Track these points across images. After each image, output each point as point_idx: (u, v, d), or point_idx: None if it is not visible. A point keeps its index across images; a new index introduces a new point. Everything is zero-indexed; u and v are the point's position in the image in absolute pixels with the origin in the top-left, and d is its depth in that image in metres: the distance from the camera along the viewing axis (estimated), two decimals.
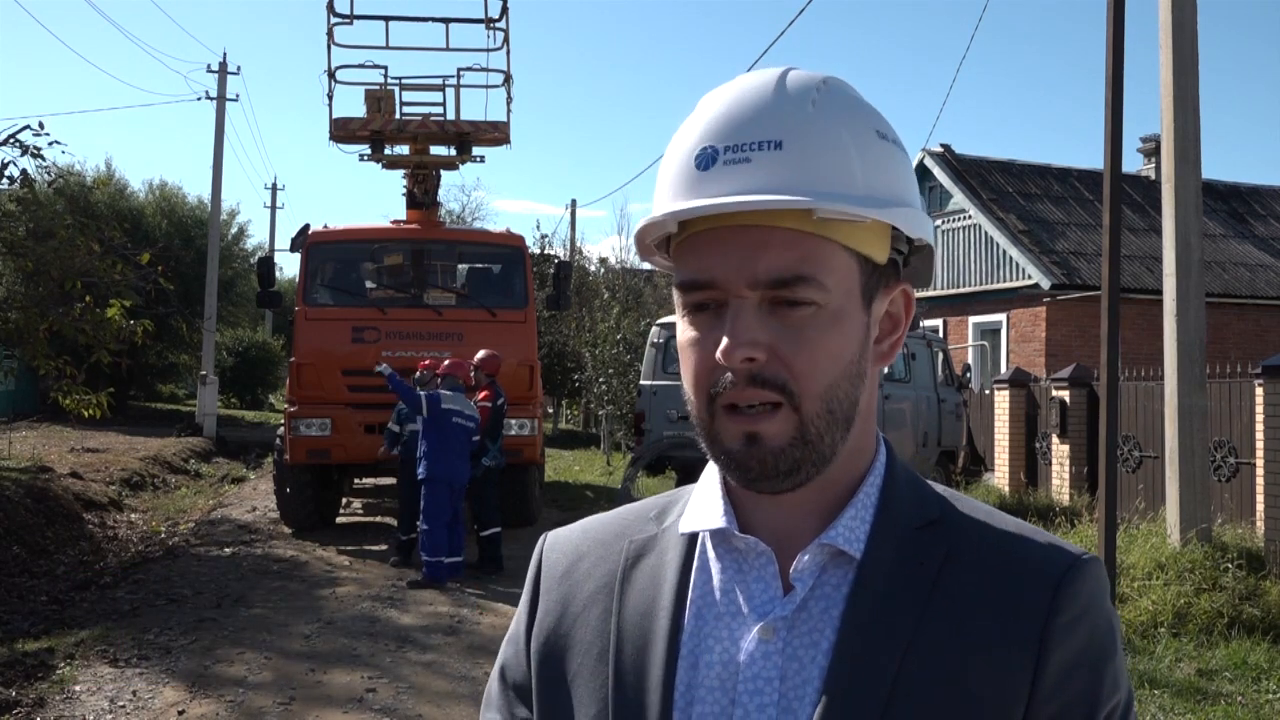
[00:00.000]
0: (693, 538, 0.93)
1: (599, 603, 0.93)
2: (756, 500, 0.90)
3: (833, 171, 0.81)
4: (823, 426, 0.83)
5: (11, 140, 10.12)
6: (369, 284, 11.82)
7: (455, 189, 56.77)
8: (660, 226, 0.87)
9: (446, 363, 9.20)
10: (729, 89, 0.86)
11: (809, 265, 0.81)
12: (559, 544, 1.01)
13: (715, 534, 0.91)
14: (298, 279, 11.68)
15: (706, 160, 0.83)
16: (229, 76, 25.17)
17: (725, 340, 0.82)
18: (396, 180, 14.09)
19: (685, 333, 0.87)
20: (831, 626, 0.84)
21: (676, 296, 0.87)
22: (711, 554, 0.91)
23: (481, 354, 9.64)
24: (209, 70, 25.28)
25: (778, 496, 0.88)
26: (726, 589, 0.89)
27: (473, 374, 9.47)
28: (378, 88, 12.34)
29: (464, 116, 12.48)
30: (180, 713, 5.39)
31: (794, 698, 0.83)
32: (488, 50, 12.77)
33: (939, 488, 0.93)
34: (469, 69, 12.61)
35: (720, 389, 0.83)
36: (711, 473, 0.93)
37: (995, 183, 21.06)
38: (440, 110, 12.54)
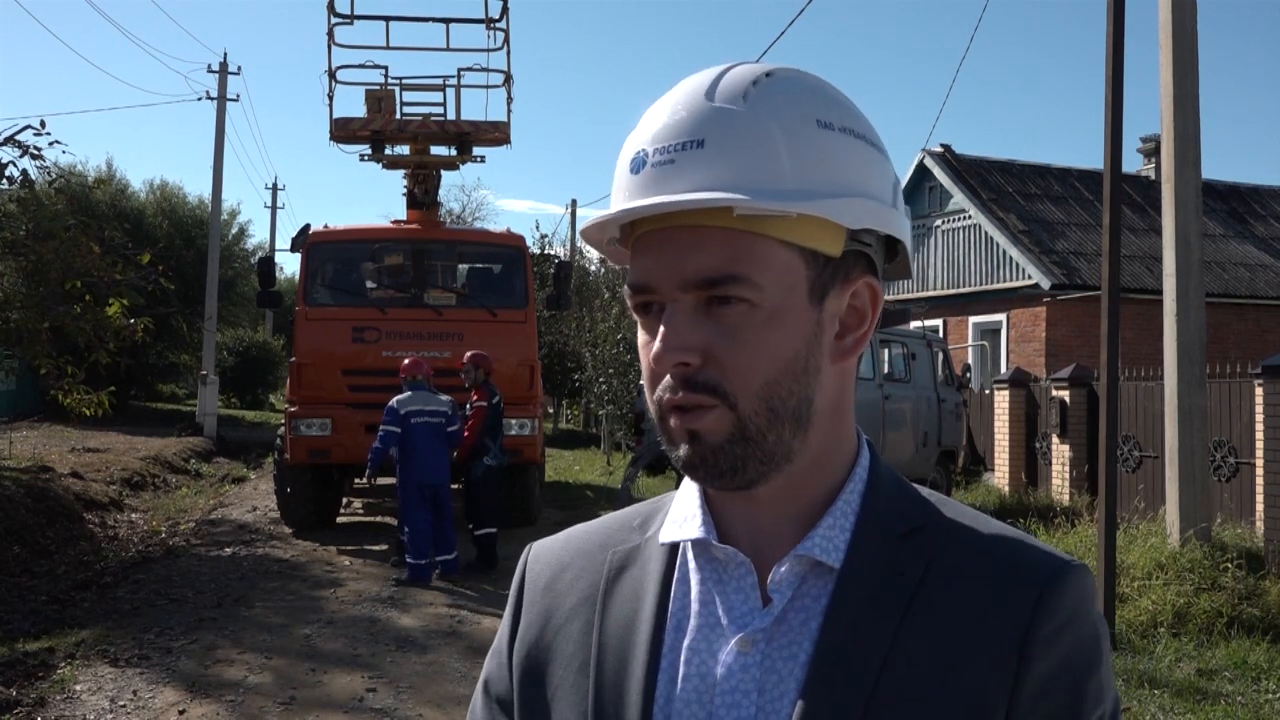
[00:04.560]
0: (674, 548, 0.91)
1: (581, 615, 0.92)
2: (733, 507, 0.89)
3: (756, 167, 0.79)
4: (763, 424, 0.82)
5: (11, 140, 10.12)
6: (369, 284, 11.82)
7: (455, 189, 56.76)
8: (611, 228, 0.87)
9: (406, 363, 9.13)
10: (670, 92, 0.85)
11: (739, 264, 0.80)
12: (542, 555, 1.00)
13: (696, 544, 0.89)
14: (298, 279, 11.67)
15: (638, 164, 0.83)
16: (229, 76, 25.19)
17: (657, 346, 0.82)
18: (396, 180, 14.11)
19: (639, 334, 0.87)
20: (809, 639, 0.82)
21: (627, 298, 0.86)
22: (692, 564, 0.89)
23: (469, 355, 9.55)
24: (209, 70, 25.30)
25: (753, 503, 0.87)
26: (706, 600, 0.87)
27: (464, 376, 9.41)
28: (378, 88, 12.34)
29: (464, 116, 12.48)
30: (180, 713, 5.40)
31: (771, 711, 0.81)
32: (488, 50, 12.78)
33: (925, 491, 0.91)
34: (469, 69, 12.61)
35: (662, 393, 0.83)
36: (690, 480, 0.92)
37: (995, 183, 21.04)
38: (440, 110, 12.55)
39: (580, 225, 0.88)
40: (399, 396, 8.75)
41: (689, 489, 0.92)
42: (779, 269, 0.82)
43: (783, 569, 0.85)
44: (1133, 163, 23.58)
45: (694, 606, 0.88)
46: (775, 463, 0.84)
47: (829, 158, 0.82)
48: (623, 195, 0.84)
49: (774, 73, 0.84)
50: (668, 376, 0.83)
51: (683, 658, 0.86)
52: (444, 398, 8.97)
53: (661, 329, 0.82)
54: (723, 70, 0.84)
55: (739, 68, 0.85)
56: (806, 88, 0.85)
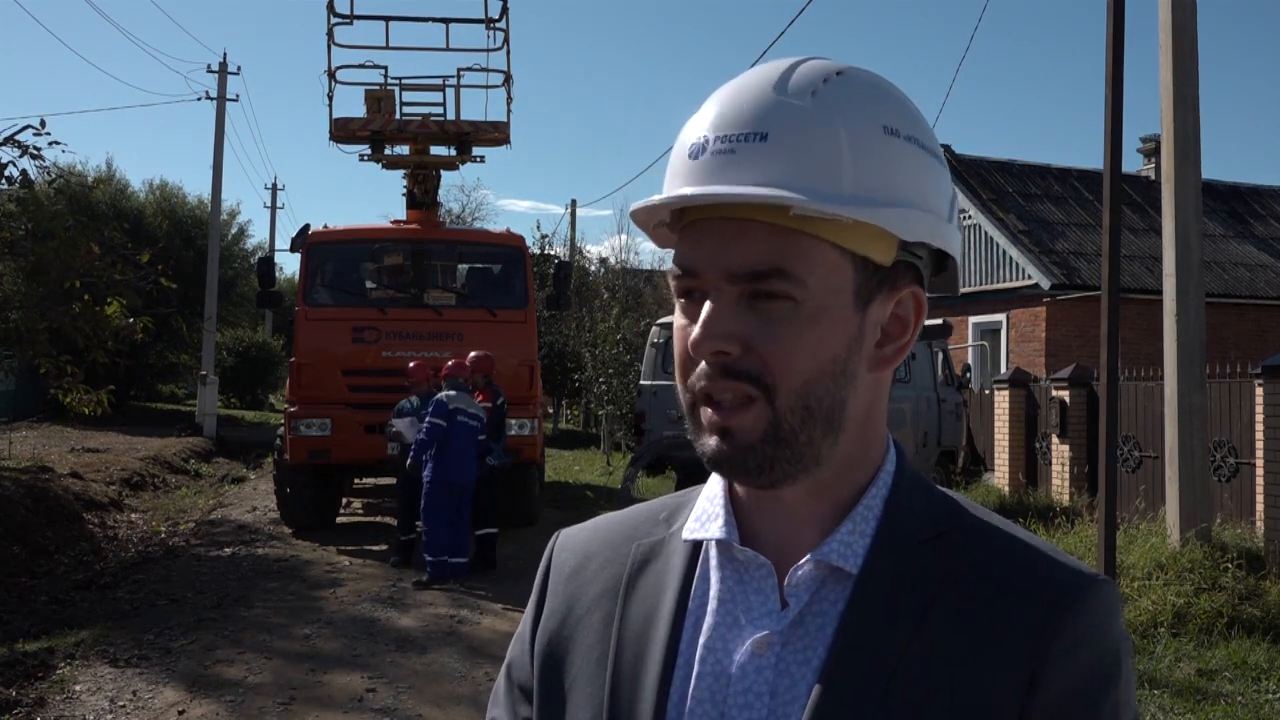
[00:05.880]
0: (698, 544, 0.91)
1: (603, 606, 0.92)
2: (757, 507, 0.88)
3: (817, 167, 0.78)
4: (797, 423, 0.81)
5: (11, 140, 10.12)
6: (369, 284, 11.82)
7: (455, 189, 56.70)
8: (661, 211, 0.86)
9: (450, 364, 9.20)
10: (738, 79, 0.84)
11: (785, 260, 0.79)
12: (569, 544, 1.00)
13: (718, 543, 0.89)
14: (298, 279, 11.68)
15: (698, 149, 0.82)
16: (229, 76, 25.22)
17: (696, 331, 0.81)
18: (396, 180, 14.11)
19: (676, 319, 0.86)
20: (824, 643, 0.82)
21: (670, 281, 0.85)
22: (714, 562, 0.89)
23: (473, 355, 9.59)
24: (209, 70, 25.32)
25: (778, 504, 0.87)
26: (725, 600, 0.87)
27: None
28: (378, 88, 12.34)
29: (464, 116, 12.48)
30: (180, 713, 5.40)
31: (782, 715, 0.81)
32: (488, 50, 12.77)
33: (955, 496, 0.90)
34: (469, 69, 12.62)
35: (696, 381, 0.82)
36: (716, 476, 0.91)
37: (995, 183, 21.05)
38: (440, 110, 12.55)
39: (631, 206, 0.86)
40: (446, 393, 8.78)
41: (714, 485, 0.92)
42: (826, 270, 0.81)
43: (800, 572, 0.84)
44: (1133, 163, 23.61)
45: (713, 604, 0.87)
46: (803, 465, 0.83)
47: (891, 166, 0.81)
48: (679, 179, 0.83)
49: (845, 72, 0.83)
50: (703, 364, 0.82)
51: (698, 655, 0.85)
52: (477, 405, 9.01)
53: (703, 314, 0.81)
54: (795, 63, 0.83)
55: (811, 62, 0.83)
56: (876, 91, 0.84)
